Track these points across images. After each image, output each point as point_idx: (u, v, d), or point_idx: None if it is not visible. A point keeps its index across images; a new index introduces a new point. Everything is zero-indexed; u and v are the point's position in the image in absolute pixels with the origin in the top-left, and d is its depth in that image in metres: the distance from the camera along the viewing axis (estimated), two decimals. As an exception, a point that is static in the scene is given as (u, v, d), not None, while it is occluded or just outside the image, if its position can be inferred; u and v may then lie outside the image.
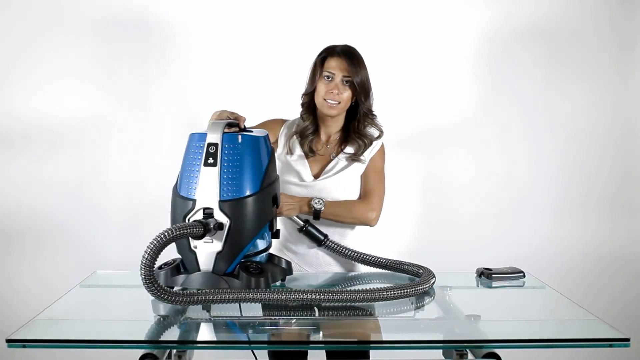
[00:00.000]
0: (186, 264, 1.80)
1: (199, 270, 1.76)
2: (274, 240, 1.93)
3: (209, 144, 1.76)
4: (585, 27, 3.20)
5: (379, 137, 2.30)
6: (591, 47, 3.21)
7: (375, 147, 2.29)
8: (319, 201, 2.16)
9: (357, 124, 2.28)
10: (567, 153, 3.25)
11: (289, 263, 1.97)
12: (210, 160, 1.75)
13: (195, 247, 1.76)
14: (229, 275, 1.76)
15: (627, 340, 1.55)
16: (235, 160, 1.77)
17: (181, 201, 1.77)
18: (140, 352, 1.56)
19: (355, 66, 2.20)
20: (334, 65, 2.21)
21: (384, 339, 1.75)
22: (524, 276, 2.10)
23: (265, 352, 2.32)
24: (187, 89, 3.15)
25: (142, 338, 1.57)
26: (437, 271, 2.01)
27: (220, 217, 1.73)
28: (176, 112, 3.16)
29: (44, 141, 3.13)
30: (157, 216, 3.13)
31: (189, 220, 1.74)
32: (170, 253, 1.78)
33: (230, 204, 1.74)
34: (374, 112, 2.29)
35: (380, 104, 2.33)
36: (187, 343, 1.69)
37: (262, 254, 1.87)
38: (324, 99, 2.21)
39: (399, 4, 3.17)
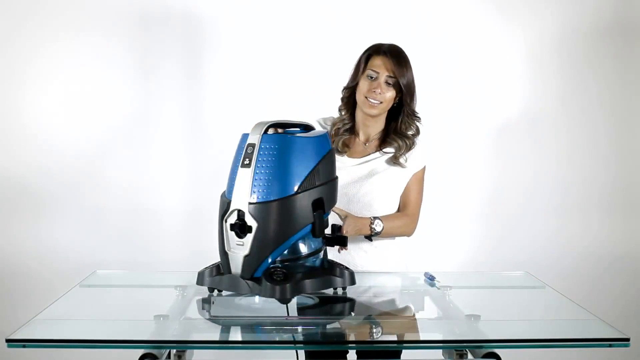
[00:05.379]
0: (222, 266, 1.78)
1: (230, 272, 1.74)
2: None
3: (248, 145, 1.72)
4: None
5: (415, 135, 2.23)
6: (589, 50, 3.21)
7: (419, 152, 2.22)
8: (378, 223, 2.11)
9: (399, 124, 2.21)
10: (569, 153, 3.25)
11: (349, 272, 1.84)
12: (247, 162, 1.70)
13: (229, 249, 1.73)
14: (254, 279, 1.70)
15: (627, 340, 1.55)
16: (271, 162, 1.69)
17: (222, 201, 1.76)
18: (140, 352, 1.56)
19: (402, 66, 2.14)
20: (379, 64, 2.15)
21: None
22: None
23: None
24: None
25: (142, 338, 1.57)
26: (436, 272, 2.00)
27: (250, 219, 1.69)
28: (175, 113, 3.16)
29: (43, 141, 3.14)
30: (157, 216, 3.18)
31: (225, 221, 1.72)
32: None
33: (258, 207, 1.68)
34: (418, 114, 2.22)
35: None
36: (187, 343, 1.69)
37: (308, 259, 1.79)
38: (366, 97, 2.16)
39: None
